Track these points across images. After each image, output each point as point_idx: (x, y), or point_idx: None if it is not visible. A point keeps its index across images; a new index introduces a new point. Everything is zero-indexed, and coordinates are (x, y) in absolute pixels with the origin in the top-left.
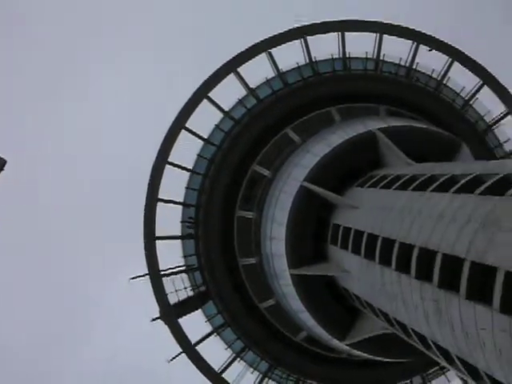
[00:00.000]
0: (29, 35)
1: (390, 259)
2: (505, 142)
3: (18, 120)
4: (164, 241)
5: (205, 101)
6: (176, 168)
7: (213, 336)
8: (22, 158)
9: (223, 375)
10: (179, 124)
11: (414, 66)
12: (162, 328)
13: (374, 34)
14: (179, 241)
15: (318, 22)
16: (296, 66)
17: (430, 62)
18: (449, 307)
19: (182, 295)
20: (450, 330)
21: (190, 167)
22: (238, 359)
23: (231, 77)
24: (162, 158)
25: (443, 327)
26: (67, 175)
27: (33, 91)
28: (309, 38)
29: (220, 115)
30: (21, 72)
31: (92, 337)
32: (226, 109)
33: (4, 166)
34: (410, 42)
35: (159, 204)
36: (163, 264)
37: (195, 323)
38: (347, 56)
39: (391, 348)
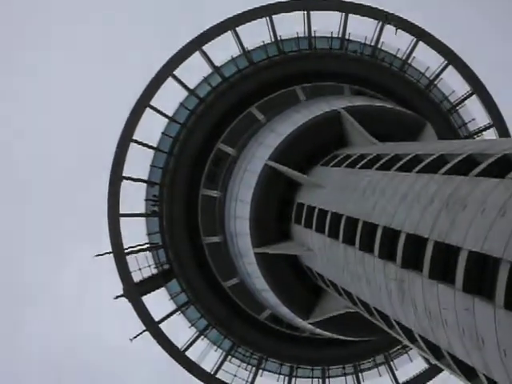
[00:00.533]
0: None
1: (354, 238)
2: (469, 121)
3: None
4: (128, 218)
5: (170, 79)
6: (140, 146)
7: (176, 314)
8: None
9: (187, 353)
10: (144, 102)
11: (379, 46)
12: (126, 305)
13: (340, 14)
14: (143, 219)
15: (284, 0)
16: (262, 44)
17: (396, 41)
18: (412, 287)
19: (146, 273)
20: (413, 310)
21: (155, 145)
22: (202, 337)
23: (197, 55)
24: (126, 136)
25: (406, 306)
26: (35, 149)
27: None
28: (275, 16)
29: (185, 93)
30: None
31: (56, 314)
32: (191, 87)
33: None
34: (376, 21)
35: (123, 182)
36: (127, 242)
37: (159, 301)
38: (313, 35)
39: (354, 327)
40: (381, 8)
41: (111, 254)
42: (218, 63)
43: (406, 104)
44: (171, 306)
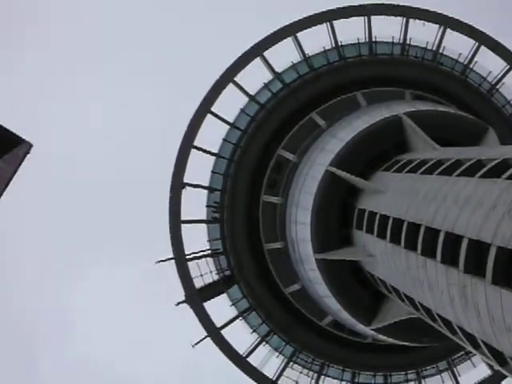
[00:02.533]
0: None
1: (416, 244)
2: None
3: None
4: (189, 225)
5: (231, 85)
6: (201, 152)
7: (238, 320)
8: (48, 139)
9: (248, 359)
10: (205, 108)
11: (440, 50)
12: (187, 312)
13: (401, 19)
14: (205, 225)
15: (344, 6)
16: (322, 50)
17: (457, 46)
18: (474, 292)
19: (208, 279)
20: (476, 315)
21: (216, 152)
22: (264, 343)
23: (257, 61)
24: (187, 142)
25: (469, 312)
26: (92, 156)
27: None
28: (335, 22)
29: (246, 99)
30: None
31: (117, 322)
32: (252, 93)
33: (30, 149)
34: (437, 26)
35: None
36: (189, 248)
37: (220, 308)
38: (373, 40)
39: (416, 333)
40: (442, 12)
41: (173, 260)
42: (278, 69)
43: (467, 109)
44: (233, 312)
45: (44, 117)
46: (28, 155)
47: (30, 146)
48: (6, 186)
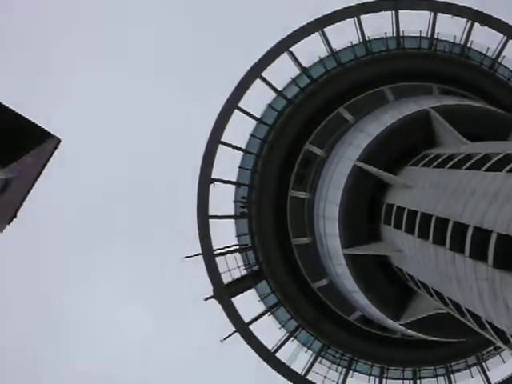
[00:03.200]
0: None
1: (444, 239)
2: None
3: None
4: (217, 220)
5: (258, 80)
6: (229, 148)
7: (266, 315)
8: (75, 136)
9: (277, 354)
10: (232, 104)
11: (468, 45)
12: (215, 307)
13: (428, 13)
14: (232, 220)
15: (372, 0)
16: (349, 45)
17: (485, 40)
18: (504, 287)
19: (236, 274)
20: (505, 310)
21: (243, 147)
22: (292, 338)
23: (284, 56)
24: (215, 138)
25: (498, 307)
26: (118, 153)
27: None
28: (362, 17)
29: (273, 94)
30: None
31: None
32: (279, 88)
33: (58, 145)
34: (464, 20)
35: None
36: (216, 244)
37: (248, 303)
38: (401, 35)
39: (445, 328)
40: (470, 7)
41: (201, 256)
42: (305, 64)
43: (496, 103)
44: (261, 308)
45: (71, 113)
46: (56, 150)
47: (59, 141)
48: (35, 181)
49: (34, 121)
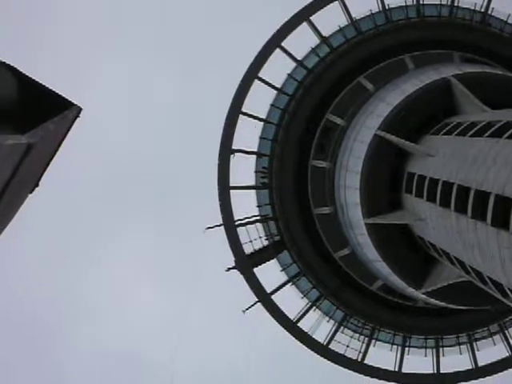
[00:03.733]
0: None
1: (466, 207)
2: None
3: (92, 66)
4: (238, 191)
5: (278, 50)
6: (250, 118)
7: (288, 285)
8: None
9: (299, 324)
10: (252, 73)
11: (489, 12)
12: (237, 278)
13: None
14: (253, 191)
15: None
16: (369, 13)
17: (507, 7)
18: None
19: (257, 245)
20: None
21: (264, 117)
22: (314, 308)
23: (304, 26)
24: (235, 108)
25: None
26: (138, 124)
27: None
28: None
29: (293, 65)
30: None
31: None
32: (299, 58)
33: (80, 113)
34: None
35: (233, 154)
36: (237, 214)
37: (270, 273)
38: (421, 3)
39: (467, 296)
40: None
41: (222, 227)
42: (325, 33)
43: None
44: (283, 278)
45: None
46: (78, 119)
47: (80, 109)
48: (57, 149)
49: (54, 90)
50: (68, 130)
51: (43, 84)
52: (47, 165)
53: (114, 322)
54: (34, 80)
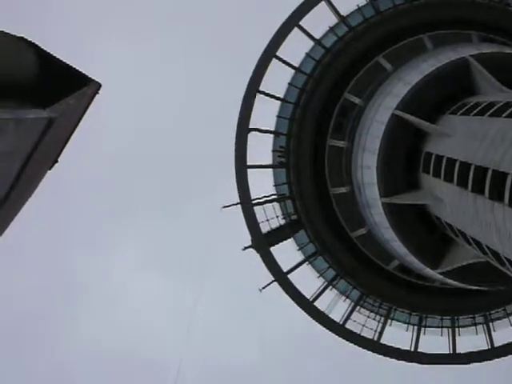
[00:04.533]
0: None
1: (483, 187)
2: None
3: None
4: (255, 170)
5: (296, 29)
6: (267, 97)
7: (305, 265)
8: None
9: (315, 303)
10: (271, 52)
11: None
12: (254, 257)
13: None
14: (271, 170)
15: None
16: None
17: None
18: None
19: (274, 224)
20: None
21: (282, 96)
22: (330, 287)
23: (322, 5)
24: (253, 86)
25: None
26: (155, 102)
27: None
28: None
29: (311, 44)
30: None
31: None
32: (317, 37)
33: (99, 89)
34: None
35: (250, 133)
36: (254, 193)
37: (287, 252)
38: None
39: (484, 276)
40: None
41: (239, 206)
42: (344, 13)
43: None
44: (299, 257)
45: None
46: (97, 95)
47: (99, 85)
48: (77, 124)
49: (74, 66)
50: (88, 106)
51: (63, 60)
52: (67, 140)
53: (127, 304)
54: (53, 56)
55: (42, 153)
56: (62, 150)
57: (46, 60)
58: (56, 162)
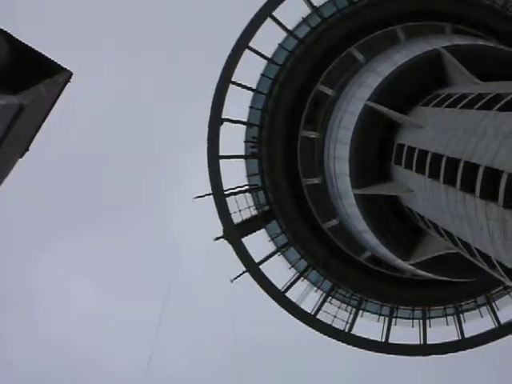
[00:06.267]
0: None
1: (455, 179)
2: None
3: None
4: (227, 160)
5: (269, 20)
6: (239, 88)
7: (276, 255)
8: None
9: (287, 294)
10: (243, 43)
11: None
12: (225, 247)
13: None
14: (243, 160)
15: None
16: None
17: None
18: None
19: (246, 215)
20: None
21: (254, 87)
22: (302, 278)
23: None
24: (225, 77)
25: (508, 247)
26: (129, 90)
27: None
28: None
29: (284, 34)
30: None
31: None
32: (290, 28)
33: (70, 78)
34: None
35: (223, 123)
36: (227, 184)
37: (258, 243)
38: None
39: (455, 268)
40: None
41: (211, 196)
42: (317, 4)
43: (508, 43)
44: (271, 248)
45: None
46: (69, 83)
47: (71, 74)
48: (48, 112)
49: (46, 55)
50: (59, 94)
51: (35, 48)
52: (38, 128)
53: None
54: (25, 44)
55: (12, 140)
56: (33, 138)
57: (18, 48)
58: (27, 150)
